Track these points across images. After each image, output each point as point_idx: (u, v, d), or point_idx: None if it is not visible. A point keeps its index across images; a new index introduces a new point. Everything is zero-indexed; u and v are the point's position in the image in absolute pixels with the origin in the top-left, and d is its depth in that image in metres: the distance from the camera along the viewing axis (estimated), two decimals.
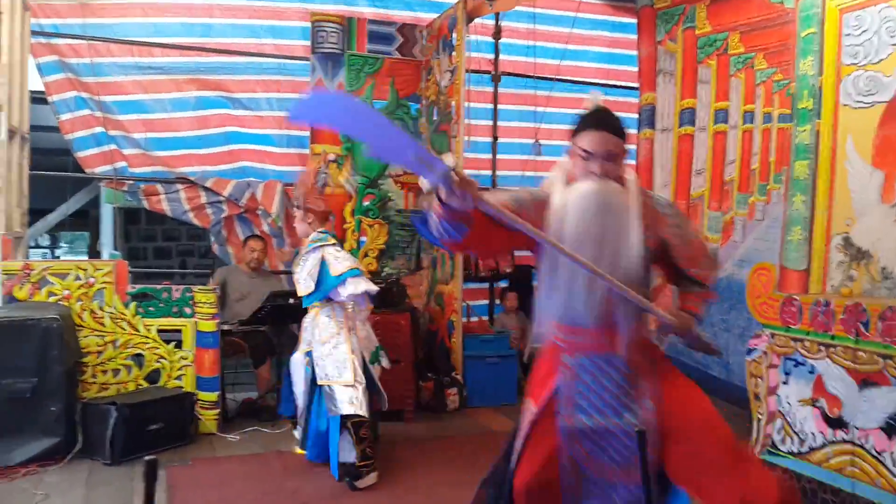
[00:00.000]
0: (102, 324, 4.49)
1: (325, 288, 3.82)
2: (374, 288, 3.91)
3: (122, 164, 5.75)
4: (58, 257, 7.20)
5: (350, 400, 3.72)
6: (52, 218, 7.54)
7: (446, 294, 5.71)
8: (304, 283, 3.87)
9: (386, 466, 3.92)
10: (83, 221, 7.86)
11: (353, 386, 3.75)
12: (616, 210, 2.02)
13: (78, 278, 4.47)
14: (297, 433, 4.16)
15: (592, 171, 2.02)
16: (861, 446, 3.23)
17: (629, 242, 2.02)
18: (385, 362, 4.19)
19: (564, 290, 2.04)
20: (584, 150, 2.03)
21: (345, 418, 3.71)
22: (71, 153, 5.70)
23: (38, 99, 5.47)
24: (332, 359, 3.81)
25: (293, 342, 4.31)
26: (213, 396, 4.62)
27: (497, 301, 6.62)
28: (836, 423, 3.36)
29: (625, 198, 2.04)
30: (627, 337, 2.06)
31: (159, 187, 5.81)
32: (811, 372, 3.50)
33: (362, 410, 3.73)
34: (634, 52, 5.39)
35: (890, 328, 3.20)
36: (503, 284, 6.54)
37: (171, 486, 3.66)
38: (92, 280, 4.49)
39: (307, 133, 6.05)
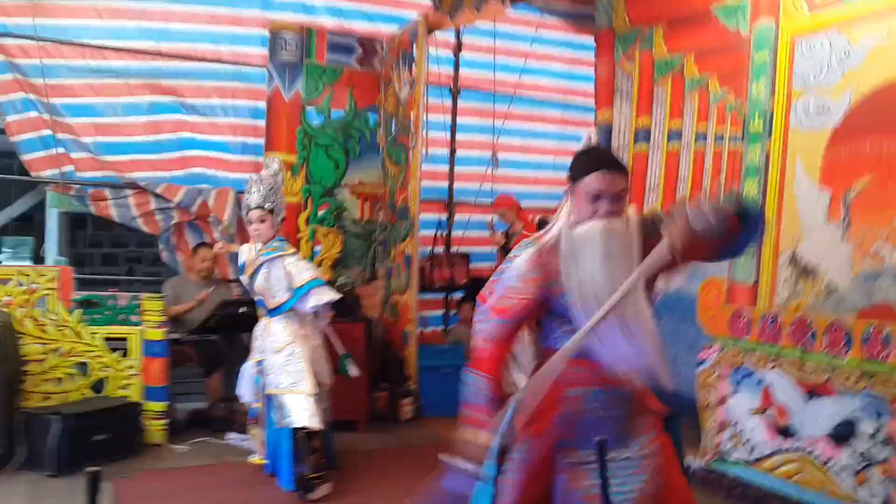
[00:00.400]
0: (44, 331, 4.34)
1: (289, 300, 3.80)
2: (336, 297, 3.91)
3: (70, 168, 5.58)
4: None
5: (303, 410, 3.65)
6: None
7: (401, 304, 5.69)
8: (278, 296, 3.81)
9: (339, 477, 3.87)
10: (28, 226, 7.59)
11: (308, 396, 3.69)
12: (624, 248, 2.00)
13: (21, 284, 4.33)
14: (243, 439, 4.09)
15: (601, 213, 2.00)
16: (809, 454, 3.34)
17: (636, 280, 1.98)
18: (354, 371, 4.14)
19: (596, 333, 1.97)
20: (593, 192, 2.00)
21: (296, 430, 3.64)
22: (17, 156, 5.51)
23: None
24: (287, 368, 3.74)
25: (245, 352, 4.22)
26: (160, 406, 4.49)
27: (453, 312, 6.64)
28: (785, 431, 3.46)
29: (629, 236, 2.03)
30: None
31: (107, 192, 5.65)
32: (759, 383, 3.61)
33: (315, 421, 3.67)
34: (592, 71, 5.49)
35: (834, 341, 3.33)
36: (459, 295, 6.55)
37: (117, 499, 3.53)
38: (35, 286, 4.35)
39: (262, 140, 5.97)
